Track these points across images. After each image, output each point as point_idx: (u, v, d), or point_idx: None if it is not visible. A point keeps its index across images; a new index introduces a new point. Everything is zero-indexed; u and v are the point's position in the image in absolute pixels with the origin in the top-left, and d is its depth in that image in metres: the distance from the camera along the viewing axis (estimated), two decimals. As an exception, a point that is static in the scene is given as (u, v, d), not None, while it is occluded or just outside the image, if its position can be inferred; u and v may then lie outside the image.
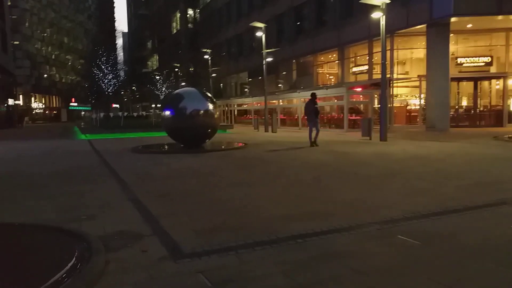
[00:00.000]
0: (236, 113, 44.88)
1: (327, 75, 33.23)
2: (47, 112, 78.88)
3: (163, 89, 51.94)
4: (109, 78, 41.53)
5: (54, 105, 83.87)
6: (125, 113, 53.76)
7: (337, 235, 4.43)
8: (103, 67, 40.94)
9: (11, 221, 5.26)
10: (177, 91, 16.01)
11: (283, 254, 3.89)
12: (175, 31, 71.31)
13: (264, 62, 26.80)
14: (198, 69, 50.92)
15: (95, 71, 41.65)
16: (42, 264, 3.66)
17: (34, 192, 7.23)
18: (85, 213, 5.54)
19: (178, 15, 68.85)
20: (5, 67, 46.26)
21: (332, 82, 31.94)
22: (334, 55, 31.13)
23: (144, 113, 68.97)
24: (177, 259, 3.80)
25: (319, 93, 26.37)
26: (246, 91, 46.50)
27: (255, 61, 38.56)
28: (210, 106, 14.62)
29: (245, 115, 42.67)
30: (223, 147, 15.93)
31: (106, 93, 42.99)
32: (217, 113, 15.75)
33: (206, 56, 40.05)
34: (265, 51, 26.41)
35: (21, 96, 68.31)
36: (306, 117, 14.88)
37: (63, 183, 8.10)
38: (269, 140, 18.84)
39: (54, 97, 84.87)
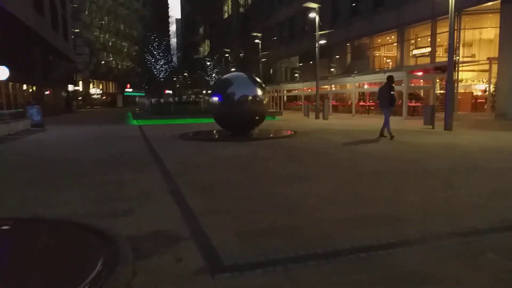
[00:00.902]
0: (285, 99, 43.96)
1: (384, 58, 31.33)
2: (104, 97, 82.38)
3: (213, 75, 52.02)
4: (161, 64, 42.05)
5: (111, 91, 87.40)
6: (176, 99, 54.54)
7: (408, 250, 3.62)
8: (155, 52, 41.50)
9: (47, 212, 4.96)
10: (225, 76, 15.48)
11: (343, 273, 3.16)
12: (226, 16, 71.09)
13: (317, 45, 25.60)
14: (248, 54, 50.37)
15: (147, 57, 42.40)
16: (60, 273, 3.20)
17: (76, 180, 6.99)
18: (122, 207, 5.12)
19: (230, 0, 68.45)
20: (66, 54, 48.45)
21: (390, 66, 30.04)
22: (393, 37, 29.17)
23: (193, 98, 69.87)
24: (216, 273, 3.20)
25: (376, 77, 24.86)
26: (296, 76, 45.36)
27: (307, 45, 37.28)
28: (259, 92, 13.97)
29: (294, 101, 41.67)
30: (271, 135, 15.26)
31: (158, 79, 43.67)
32: (266, 99, 15.07)
33: (256, 41, 39.33)
34: (318, 33, 25.19)
35: (80, 82, 71.70)
36: (378, 104, 13.57)
37: (106, 171, 7.85)
38: (321, 127, 17.89)
39: (110, 83, 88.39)
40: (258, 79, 15.06)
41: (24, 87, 32.83)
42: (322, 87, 30.53)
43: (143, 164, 8.67)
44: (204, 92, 54.86)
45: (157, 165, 8.53)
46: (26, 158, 9.94)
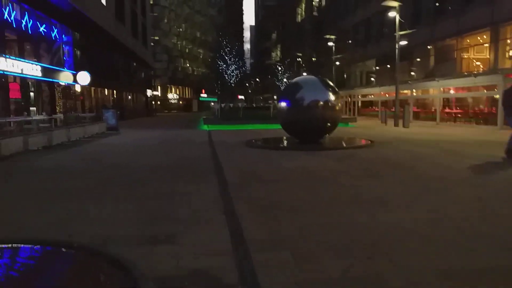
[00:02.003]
0: (360, 104, 41.77)
1: (474, 61, 28.14)
2: (180, 102, 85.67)
3: (284, 79, 51.29)
4: (232, 69, 42.24)
5: (187, 96, 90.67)
6: (244, 104, 54.66)
7: None
8: (226, 58, 41.82)
9: (80, 231, 4.34)
10: (295, 79, 14.50)
11: None
12: (299, 20, 70.20)
13: (397, 46, 23.60)
14: (321, 58, 48.92)
15: (219, 62, 42.87)
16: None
17: (128, 191, 6.44)
18: (166, 231, 4.35)
19: (304, 3, 67.49)
20: (146, 60, 50.90)
21: (480, 69, 26.85)
22: (485, 37, 26.02)
23: (262, 103, 69.83)
24: None
25: (465, 82, 22.26)
26: (372, 80, 42.94)
27: (385, 47, 34.99)
28: (331, 97, 12.79)
29: (370, 107, 39.39)
30: (344, 144, 13.95)
31: (229, 84, 43.97)
32: (339, 104, 13.82)
33: (330, 44, 37.82)
34: (398, 33, 23.19)
35: (159, 87, 75.25)
36: (504, 111, 10.45)
37: (163, 180, 7.27)
38: (401, 137, 16.12)
39: (187, 88, 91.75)
40: (330, 83, 13.87)
41: (106, 92, 34.74)
42: (401, 92, 28.22)
43: (202, 173, 7.98)
44: (274, 97, 54.39)
45: (217, 174, 7.78)
46: (89, 162, 9.80)
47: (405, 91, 29.86)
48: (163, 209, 5.31)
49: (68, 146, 13.41)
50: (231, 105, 47.65)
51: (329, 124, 12.90)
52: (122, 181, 7.27)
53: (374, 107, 37.82)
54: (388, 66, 33.93)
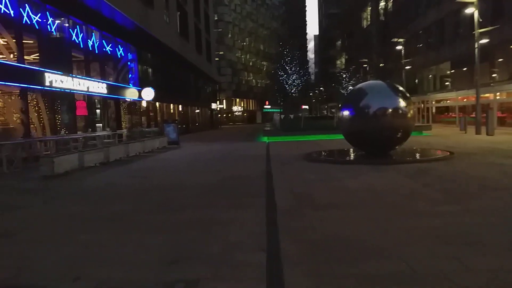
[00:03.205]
0: (434, 110, 38.54)
1: None
2: (245, 114, 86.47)
3: (349, 87, 49.28)
4: (293, 78, 41.18)
5: (251, 108, 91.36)
6: (306, 114, 53.17)
7: None
8: (287, 67, 40.90)
9: (90, 272, 3.62)
10: (359, 85, 13.17)
11: None
12: (365, 26, 67.62)
13: (476, 45, 21.08)
14: (389, 64, 46.22)
15: (279, 72, 42.08)
16: None
17: (162, 217, 5.73)
18: (188, 276, 3.48)
19: (369, 9, 64.91)
20: (210, 75, 51.87)
21: None
22: None
23: (325, 112, 67.82)
24: None
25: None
26: (447, 84, 39.50)
27: (461, 49, 31.97)
28: (402, 103, 11.30)
29: (446, 113, 36.12)
30: (418, 156, 12.28)
31: (290, 94, 42.93)
32: (411, 111, 12.21)
33: (398, 47, 35.43)
34: (478, 31, 20.71)
35: (224, 100, 76.57)
36: None
37: (204, 204, 6.49)
38: (485, 146, 13.98)
39: (251, 100, 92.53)
40: (400, 88, 12.36)
41: (171, 106, 35.58)
42: (482, 95, 25.25)
43: (250, 195, 7.07)
44: (339, 106, 52.33)
45: (266, 197, 6.82)
46: (136, 181, 9.36)
47: (487, 95, 26.72)
48: (194, 243, 4.46)
49: (124, 162, 13.30)
50: (291, 115, 46.50)
51: (400, 134, 11.39)
52: (161, 205, 6.60)
53: (450, 113, 34.59)
54: (465, 68, 30.87)
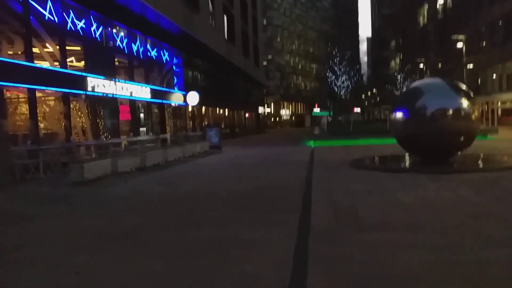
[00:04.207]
0: (500, 112, 35.27)
1: None
2: (293, 118, 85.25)
3: (404, 88, 46.64)
4: (342, 80, 39.44)
5: (299, 112, 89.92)
6: (356, 117, 50.92)
7: None
8: (335, 68, 39.27)
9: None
10: (415, 84, 11.81)
11: None
12: (421, 25, 64.11)
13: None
14: (448, 63, 43.11)
15: (328, 74, 40.67)
16: None
17: (178, 235, 4.98)
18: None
19: (426, 7, 61.43)
20: (257, 79, 51.41)
21: None
22: None
23: (378, 115, 64.91)
24: None
25: None
26: (515, 84, 35.97)
27: (532, 43, 28.85)
28: (464, 103, 9.86)
29: (514, 115, 32.90)
30: (485, 164, 10.69)
31: (339, 96, 41.25)
32: (475, 112, 10.69)
33: (459, 44, 32.76)
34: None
35: (272, 104, 75.90)
36: None
37: (229, 219, 5.66)
38: None
39: (299, 104, 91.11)
40: (462, 86, 10.87)
41: (217, 110, 35.38)
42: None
43: (283, 209, 6.15)
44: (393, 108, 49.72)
45: (301, 212, 5.86)
46: (165, 189, 8.74)
47: None
48: (201, 275, 3.61)
49: (161, 167, 12.84)
50: (340, 118, 44.64)
51: (462, 138, 9.91)
52: (181, 219, 5.86)
53: (519, 116, 31.41)
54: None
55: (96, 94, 15.88)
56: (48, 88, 13.60)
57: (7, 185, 9.24)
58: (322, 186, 7.97)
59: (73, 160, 10.03)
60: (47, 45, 13.96)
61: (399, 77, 51.27)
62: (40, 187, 9.45)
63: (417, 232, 4.56)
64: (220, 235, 4.86)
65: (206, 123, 29.55)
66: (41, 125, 14.08)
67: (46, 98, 14.96)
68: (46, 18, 13.67)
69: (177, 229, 5.24)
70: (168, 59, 24.18)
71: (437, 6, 57.19)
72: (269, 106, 70.01)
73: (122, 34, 18.82)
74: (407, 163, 11.24)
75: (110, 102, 17.51)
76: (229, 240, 4.62)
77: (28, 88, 12.77)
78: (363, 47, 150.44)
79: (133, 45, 19.81)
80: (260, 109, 53.56)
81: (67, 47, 15.86)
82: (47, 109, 14.84)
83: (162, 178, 10.40)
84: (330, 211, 5.86)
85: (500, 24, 37.54)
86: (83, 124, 16.03)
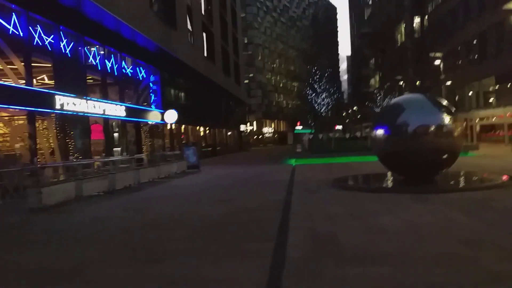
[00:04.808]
0: (478, 129, 35.66)
1: None
2: (275, 135, 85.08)
3: (384, 105, 46.94)
4: (323, 97, 39.38)
5: (281, 129, 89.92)
6: (337, 135, 50.94)
7: None
8: (315, 86, 39.25)
9: None
10: (395, 100, 11.51)
11: None
12: (399, 44, 65.39)
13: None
14: (426, 81, 43.67)
15: (308, 91, 40.53)
16: None
17: (131, 271, 4.28)
18: None
19: (403, 26, 62.82)
20: (239, 97, 51.12)
21: None
22: None
23: (359, 134, 65.18)
24: None
25: None
26: (491, 101, 36.58)
27: (507, 62, 29.41)
28: (446, 119, 9.55)
29: (492, 131, 33.23)
30: (471, 182, 10.32)
31: (320, 113, 41.08)
32: (458, 128, 10.34)
33: (436, 62, 33.18)
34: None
35: (254, 122, 75.63)
36: None
37: (192, 252, 5.00)
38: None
39: (281, 121, 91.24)
40: (443, 102, 10.58)
41: (197, 129, 34.70)
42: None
43: (256, 238, 5.54)
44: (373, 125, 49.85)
45: (277, 240, 5.24)
46: (128, 214, 8.00)
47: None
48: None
49: (132, 190, 12.08)
50: (321, 136, 44.43)
51: (445, 155, 9.54)
52: (139, 251, 5.16)
53: (498, 131, 31.71)
54: (513, 82, 28.25)
55: (65, 112, 15.06)
56: (10, 106, 12.76)
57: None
58: (301, 209, 7.38)
59: (30, 185, 9.18)
60: (11, 61, 13.16)
61: (378, 94, 51.77)
62: (-6, 214, 8.59)
63: (407, 266, 4.00)
64: (181, 272, 4.19)
65: (188, 142, 28.80)
66: (2, 146, 13.17)
67: (9, 117, 14.08)
68: (10, 32, 12.92)
69: (133, 264, 4.55)
70: (144, 76, 23.54)
71: (414, 25, 58.58)
72: (251, 124, 69.67)
73: (95, 50, 18.14)
74: (390, 182, 10.79)
75: (81, 121, 16.66)
76: (189, 280, 3.96)
77: (-13, 107, 11.94)
78: (343, 65, 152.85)
79: (107, 62, 19.13)
80: (242, 127, 53.09)
81: (35, 64, 15.11)
82: (9, 129, 13.92)
83: (129, 203, 9.64)
84: (308, 239, 5.26)
85: (475, 42, 38.39)
86: (51, 144, 15.14)
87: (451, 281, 3.55)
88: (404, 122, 9.56)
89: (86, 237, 6.08)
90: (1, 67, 12.68)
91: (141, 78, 23.17)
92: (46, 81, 17.10)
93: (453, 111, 10.26)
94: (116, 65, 20.05)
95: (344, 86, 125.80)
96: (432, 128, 9.40)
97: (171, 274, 4.14)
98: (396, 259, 4.21)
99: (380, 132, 10.10)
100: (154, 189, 12.15)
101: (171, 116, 24.71)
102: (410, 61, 54.88)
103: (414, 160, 9.35)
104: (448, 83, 35.50)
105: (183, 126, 30.75)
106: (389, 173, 11.27)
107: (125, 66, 21.09)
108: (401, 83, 49.84)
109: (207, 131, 37.79)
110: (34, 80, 17.05)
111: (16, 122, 14.52)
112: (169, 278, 4.03)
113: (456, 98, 42.93)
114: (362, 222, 6.03)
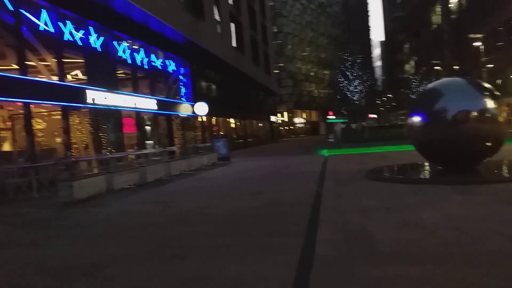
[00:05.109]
0: (523, 114, 33.56)
1: None
2: (307, 126, 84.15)
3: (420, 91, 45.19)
4: (355, 84, 38.21)
5: (313, 119, 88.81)
6: (371, 123, 49.58)
7: None
8: (347, 73, 38.11)
9: None
10: (432, 84, 10.79)
11: None
12: (435, 26, 62.62)
13: None
14: (465, 64, 41.59)
15: (339, 79, 39.49)
16: None
17: (152, 268, 4.12)
18: None
19: (439, 6, 60.02)
20: (269, 87, 50.68)
21: None
22: None
23: (394, 122, 63.15)
24: None
25: None
26: (538, 83, 34.34)
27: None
28: (489, 104, 8.82)
29: (539, 116, 31.18)
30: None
31: (352, 102, 39.95)
32: (503, 114, 9.58)
33: (476, 44, 31.41)
34: None
35: (285, 113, 75.06)
36: None
37: (216, 248, 4.80)
38: None
39: (313, 111, 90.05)
40: (486, 85, 9.79)
41: (228, 121, 34.68)
42: None
43: (283, 233, 5.27)
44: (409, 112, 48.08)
45: (306, 236, 4.96)
46: (156, 208, 7.92)
47: None
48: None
49: (163, 182, 12.09)
50: (354, 125, 43.29)
51: (488, 143, 8.86)
52: (163, 247, 5.02)
53: (545, 116, 29.71)
54: None
55: (97, 106, 15.31)
56: (44, 102, 13.05)
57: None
58: (332, 202, 7.04)
59: (62, 179, 9.32)
60: (44, 57, 13.43)
61: (414, 80, 49.86)
62: (27, 208, 8.77)
63: (449, 266, 3.61)
64: (202, 270, 4.00)
65: (220, 134, 28.82)
66: (39, 141, 13.52)
67: (43, 112, 14.44)
68: (41, 28, 13.17)
69: (155, 261, 4.40)
70: (174, 69, 23.63)
71: (451, 5, 55.80)
72: (282, 115, 69.15)
73: (124, 44, 18.30)
74: (428, 172, 10.21)
75: (113, 115, 16.92)
76: (212, 279, 3.76)
77: (22, 103, 12.24)
78: (376, 51, 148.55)
79: (136, 55, 19.28)
80: (273, 118, 52.71)
81: (68, 60, 15.41)
82: (44, 124, 14.28)
83: (158, 196, 9.61)
84: (339, 235, 4.94)
85: (520, 21, 36.04)
86: (85, 138, 15.44)
87: (501, 284, 3.15)
88: (443, 108, 8.94)
89: (111, 233, 6.02)
90: (34, 64, 12.93)
91: (171, 71, 23.27)
92: (80, 76, 17.41)
93: (497, 94, 9.52)
94: (146, 59, 20.19)
95: (378, 72, 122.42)
96: (474, 114, 8.73)
97: (193, 272, 3.95)
98: (437, 258, 3.83)
99: (417, 119, 9.52)
100: (184, 182, 12.11)
101: (201, 109, 24.73)
102: (447, 43, 52.43)
103: (454, 148, 8.74)
104: (489, 66, 33.55)
105: (214, 118, 30.80)
106: (427, 163, 10.68)
107: (155, 59, 21.20)
108: (437, 67, 47.72)
109: (238, 123, 37.71)
110: (70, 76, 17.50)
111: (51, 117, 14.86)
112: (189, 276, 3.85)
113: (497, 82, 40.68)
114: (399, 217, 5.62)
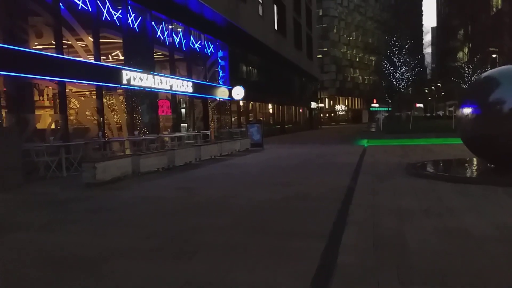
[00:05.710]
0: None
1: None
2: (349, 113, 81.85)
3: (473, 80, 42.23)
4: (402, 71, 36.05)
5: (356, 107, 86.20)
6: (416, 113, 47.06)
7: None
8: (394, 59, 36.01)
9: None
10: (487, 73, 9.68)
11: None
12: (495, 10, 58.22)
13: None
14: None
15: (385, 65, 37.47)
16: None
17: (158, 265, 3.73)
18: None
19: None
20: (310, 72, 49.40)
21: None
22: None
23: (442, 112, 59.76)
24: None
25: None
26: None
27: None
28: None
29: None
30: None
31: (398, 90, 37.82)
32: None
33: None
34: None
35: (326, 99, 73.30)
36: None
37: (230, 247, 4.35)
38: None
39: (356, 99, 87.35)
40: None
41: (265, 106, 34.11)
42: None
43: (306, 233, 4.74)
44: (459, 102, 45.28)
45: (329, 240, 4.40)
46: (178, 194, 7.60)
47: None
48: None
49: (191, 167, 11.83)
50: (398, 114, 41.20)
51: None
52: (175, 241, 4.63)
53: None
54: None
55: (132, 87, 15.25)
56: (78, 81, 13.08)
57: (17, 185, 8.61)
58: (365, 200, 6.38)
59: (87, 160, 9.22)
60: (81, 36, 13.41)
61: (467, 69, 46.65)
62: (51, 188, 8.74)
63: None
64: (207, 275, 3.55)
65: (257, 119, 28.39)
66: (72, 120, 13.65)
67: (78, 92, 14.55)
68: (79, 7, 13.14)
69: (159, 258, 4.01)
70: (212, 51, 23.28)
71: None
72: (323, 101, 67.57)
73: (162, 25, 18.09)
74: (477, 170, 9.22)
75: (148, 97, 16.86)
76: (213, 284, 3.30)
77: (58, 81, 12.32)
78: (427, 37, 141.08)
79: (174, 36, 19.07)
80: (313, 105, 51.52)
81: (107, 40, 15.40)
82: (78, 104, 14.40)
83: (183, 181, 9.30)
84: (368, 240, 4.33)
85: None
86: (118, 119, 15.48)
87: None
88: (498, 99, 7.95)
89: (124, 221, 5.72)
90: (71, 43, 12.94)
91: (209, 54, 22.95)
92: (120, 57, 17.43)
93: None
94: (184, 40, 19.95)
95: (428, 60, 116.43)
96: (536, 107, 7.68)
97: (195, 276, 3.51)
98: (484, 279, 3.15)
99: (467, 111, 8.55)
100: (212, 168, 11.78)
101: (239, 93, 24.34)
102: (508, 29, 48.57)
103: (509, 144, 7.76)
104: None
105: (251, 103, 30.34)
106: (476, 160, 9.67)
107: (193, 41, 20.93)
108: (494, 55, 44.32)
109: (276, 108, 37.05)
110: (110, 57, 17.58)
111: (85, 97, 14.98)
112: (190, 280, 3.41)
113: None
114: (440, 222, 4.91)
